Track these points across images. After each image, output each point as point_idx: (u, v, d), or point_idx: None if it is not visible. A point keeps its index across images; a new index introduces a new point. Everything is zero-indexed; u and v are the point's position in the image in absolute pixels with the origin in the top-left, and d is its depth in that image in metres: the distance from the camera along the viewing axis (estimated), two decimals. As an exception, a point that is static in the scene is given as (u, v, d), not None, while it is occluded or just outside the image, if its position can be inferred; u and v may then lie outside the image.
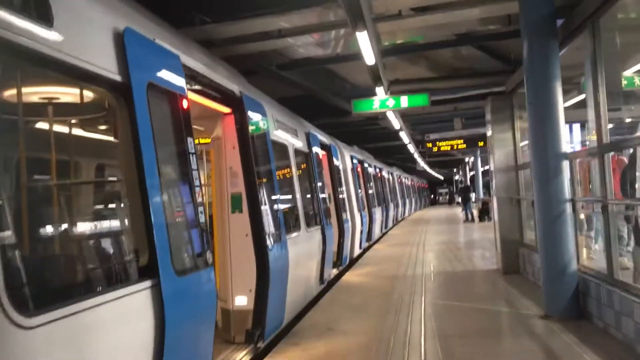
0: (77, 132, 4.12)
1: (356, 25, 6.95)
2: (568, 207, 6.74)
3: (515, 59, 11.49)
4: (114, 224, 4.07)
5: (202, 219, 4.51)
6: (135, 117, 3.73)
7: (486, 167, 42.39)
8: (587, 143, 10.69)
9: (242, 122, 6.24)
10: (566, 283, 6.72)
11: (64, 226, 3.54)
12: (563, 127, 6.79)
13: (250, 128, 6.36)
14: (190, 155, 4.48)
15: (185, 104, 4.58)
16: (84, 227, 3.85)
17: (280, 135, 7.98)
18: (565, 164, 6.78)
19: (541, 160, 6.86)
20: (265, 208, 6.47)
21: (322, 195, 10.41)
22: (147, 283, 3.68)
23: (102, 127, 4.06)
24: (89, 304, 3.06)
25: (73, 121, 3.97)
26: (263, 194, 6.50)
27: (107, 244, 4.00)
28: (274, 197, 6.89)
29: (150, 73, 4.10)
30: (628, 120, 10.58)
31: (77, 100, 3.88)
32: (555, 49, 6.77)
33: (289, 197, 8.45)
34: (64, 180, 3.63)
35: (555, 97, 6.75)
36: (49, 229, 3.71)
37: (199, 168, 4.71)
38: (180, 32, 6.17)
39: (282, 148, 8.14)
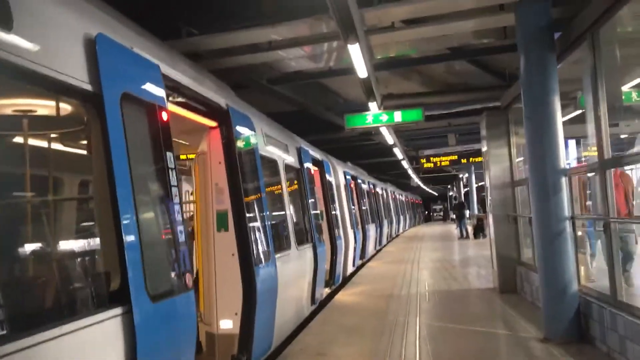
0: (40, 145, 3.82)
1: (348, 37, 6.73)
2: (568, 225, 6.49)
3: (510, 74, 11.35)
4: (80, 244, 3.76)
5: (181, 238, 4.23)
6: (106, 129, 3.45)
7: (480, 184, 42.30)
8: (583, 159, 10.51)
9: (228, 136, 5.96)
10: (567, 304, 6.44)
11: (20, 247, 3.23)
12: (562, 142, 6.56)
13: (238, 142, 6.09)
14: (170, 171, 4.21)
15: (164, 116, 4.29)
16: (44, 248, 3.54)
17: (269, 150, 7.71)
18: (564, 180, 6.54)
19: (539, 176, 6.62)
20: (252, 226, 6.18)
21: (313, 212, 10.13)
22: (117, 310, 3.36)
23: (69, 141, 3.77)
24: (44, 337, 2.75)
25: (35, 134, 3.68)
26: (251, 211, 6.22)
27: (71, 267, 3.67)
28: (262, 215, 6.59)
29: (125, 83, 3.82)
30: (623, 136, 10.42)
31: (40, 111, 3.60)
32: (553, 62, 6.57)
33: (279, 214, 8.16)
34: (24, 197, 3.33)
35: (553, 111, 6.53)
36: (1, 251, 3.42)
37: (179, 184, 4.42)
38: (166, 44, 5.95)
39: (271, 163, 7.87)
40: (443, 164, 22.43)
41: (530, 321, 7.57)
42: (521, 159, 10.08)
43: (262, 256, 6.28)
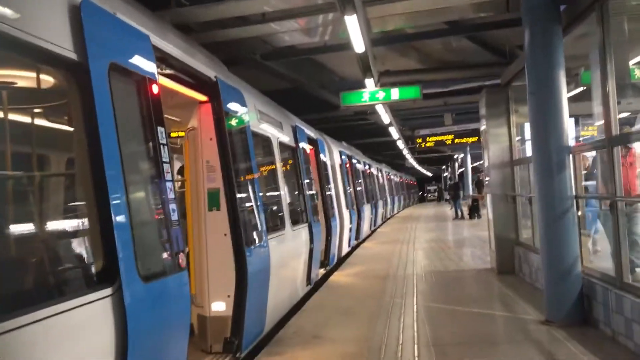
0: (22, 119, 3.57)
1: (345, 8, 6.44)
2: (572, 205, 6.28)
3: (510, 51, 11.07)
4: (68, 223, 3.54)
5: (174, 216, 4.09)
6: (93, 102, 3.26)
7: (475, 164, 42.17)
8: (580, 139, 10.28)
9: (218, 111, 5.69)
10: (570, 286, 6.25)
11: (4, 228, 3.04)
12: (567, 119, 6.31)
13: (228, 117, 5.82)
14: (161, 147, 4.05)
15: (155, 89, 4.10)
16: (28, 228, 3.32)
17: (263, 127, 7.45)
18: (569, 159, 6.31)
19: (543, 154, 6.39)
20: (244, 206, 5.94)
21: (309, 192, 9.90)
22: (106, 291, 3.21)
23: (53, 114, 3.52)
24: (29, 319, 2.60)
25: (17, 107, 3.44)
26: (241, 191, 5.97)
27: (59, 247, 3.46)
28: (255, 194, 6.35)
29: (112, 53, 3.61)
30: (624, 115, 10.19)
31: (18, 81, 3.35)
32: (559, 35, 6.31)
33: (273, 193, 7.93)
34: (5, 175, 3.12)
35: (558, 86, 6.28)
36: None
37: (171, 161, 4.23)
38: (155, 14, 5.65)
39: (265, 141, 7.61)
40: (440, 142, 22.17)
41: (530, 303, 7.40)
42: (519, 138, 9.86)
43: (253, 237, 6.06)
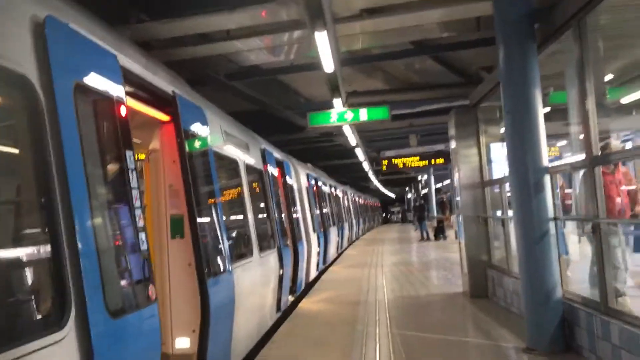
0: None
1: (315, 24, 6.17)
2: (552, 227, 6.08)
3: (475, 73, 11.02)
4: (27, 253, 3.07)
5: (143, 246, 3.88)
6: (58, 124, 3.04)
7: (439, 185, 42.47)
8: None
9: (177, 129, 5.28)
10: (551, 312, 6.02)
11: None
12: (544, 138, 6.14)
13: (188, 137, 5.40)
14: (129, 172, 3.84)
15: (123, 111, 3.89)
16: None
17: (227, 148, 7.07)
18: (547, 179, 6.13)
19: (520, 174, 6.20)
20: (204, 234, 5.53)
21: (277, 216, 9.54)
22: (70, 328, 2.88)
23: (11, 137, 3.09)
24: None
25: None
26: (203, 217, 5.56)
27: (19, 279, 3.01)
28: (216, 220, 5.92)
29: (78, 73, 3.42)
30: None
31: None
32: (534, 52, 6.16)
33: (239, 218, 7.53)
34: None
35: (534, 104, 6.11)
36: None
37: (139, 187, 3.96)
38: (114, 30, 5.28)
39: (230, 163, 7.24)
40: (408, 165, 22.10)
41: (507, 328, 7.16)
42: (490, 159, 9.73)
43: (215, 267, 5.61)
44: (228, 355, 5.87)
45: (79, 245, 3.05)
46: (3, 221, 3.08)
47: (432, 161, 23.05)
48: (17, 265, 2.95)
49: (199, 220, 5.29)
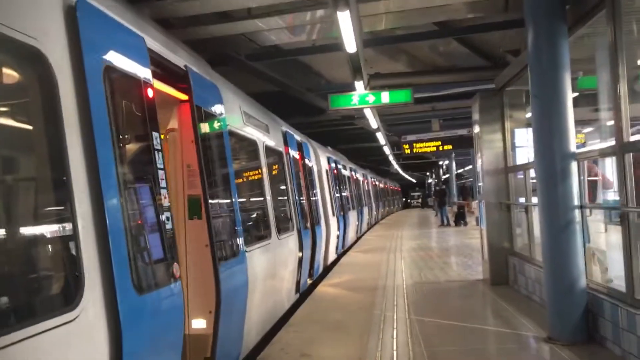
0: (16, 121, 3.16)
1: (338, 3, 6.01)
2: (577, 215, 5.90)
3: (501, 57, 10.76)
4: (58, 231, 3.08)
5: (169, 224, 4.03)
6: (88, 105, 3.16)
7: (460, 170, 42.07)
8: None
9: (191, 106, 5.13)
10: (574, 302, 5.87)
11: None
12: (572, 123, 5.95)
13: (202, 114, 5.27)
14: (156, 152, 3.99)
15: (150, 93, 4.01)
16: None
17: (246, 129, 6.98)
18: (574, 166, 5.94)
19: (547, 161, 6.01)
20: (221, 214, 5.47)
21: (297, 199, 9.47)
22: (100, 302, 3.05)
23: (38, 114, 3.08)
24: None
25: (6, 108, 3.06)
26: (216, 198, 5.49)
27: (49, 256, 3.04)
28: (234, 202, 5.86)
29: (108, 56, 3.50)
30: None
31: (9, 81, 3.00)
32: (564, 34, 5.94)
33: (258, 200, 7.47)
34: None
35: (563, 89, 5.91)
36: None
37: (165, 167, 4.12)
38: (134, 7, 5.19)
39: (249, 144, 7.16)
40: (429, 149, 21.84)
41: (529, 317, 7.03)
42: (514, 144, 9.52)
43: (227, 250, 5.52)
44: (240, 338, 5.81)
45: (108, 223, 3.15)
46: (40, 197, 3.07)
47: (454, 146, 22.80)
48: (44, 242, 2.99)
49: (212, 201, 5.23)
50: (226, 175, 5.77)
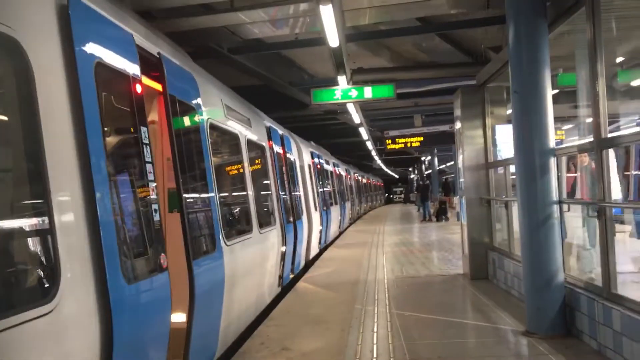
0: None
1: (320, -4, 6.01)
2: (556, 210, 5.97)
3: (483, 53, 10.84)
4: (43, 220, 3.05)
5: (156, 216, 4.14)
6: (80, 101, 3.25)
7: (442, 166, 42.30)
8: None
9: (164, 95, 4.94)
10: (552, 296, 5.94)
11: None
12: (551, 119, 6.01)
13: (177, 105, 5.06)
14: (144, 146, 4.10)
15: (138, 88, 4.11)
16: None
17: (225, 121, 6.93)
18: (553, 161, 6.01)
19: (526, 156, 6.08)
20: (193, 209, 5.40)
21: (279, 194, 9.45)
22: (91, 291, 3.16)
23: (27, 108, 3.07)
24: None
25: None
26: (191, 192, 5.44)
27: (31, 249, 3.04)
28: (211, 196, 5.78)
29: (98, 52, 3.59)
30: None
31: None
32: (544, 31, 6.00)
33: (238, 194, 7.44)
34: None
35: (543, 85, 5.97)
36: None
37: (153, 161, 4.24)
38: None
39: (231, 137, 7.11)
40: (411, 145, 21.92)
41: (507, 311, 7.10)
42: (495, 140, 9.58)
43: (202, 246, 5.38)
44: (216, 334, 5.68)
45: (99, 214, 3.25)
46: (33, 189, 3.06)
47: (436, 142, 22.93)
48: (37, 233, 3.01)
49: (188, 195, 5.17)
50: (203, 168, 5.70)
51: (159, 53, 4.96)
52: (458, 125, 10.15)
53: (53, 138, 3.02)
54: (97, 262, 3.22)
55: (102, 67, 3.58)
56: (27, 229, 2.93)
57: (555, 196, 6.00)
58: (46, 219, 2.89)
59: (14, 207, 2.96)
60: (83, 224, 3.18)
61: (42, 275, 2.92)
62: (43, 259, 2.98)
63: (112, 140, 3.65)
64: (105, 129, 3.50)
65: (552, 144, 5.99)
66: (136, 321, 3.66)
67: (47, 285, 2.85)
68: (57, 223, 2.94)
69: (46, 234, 2.91)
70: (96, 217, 3.24)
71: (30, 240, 2.99)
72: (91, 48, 3.50)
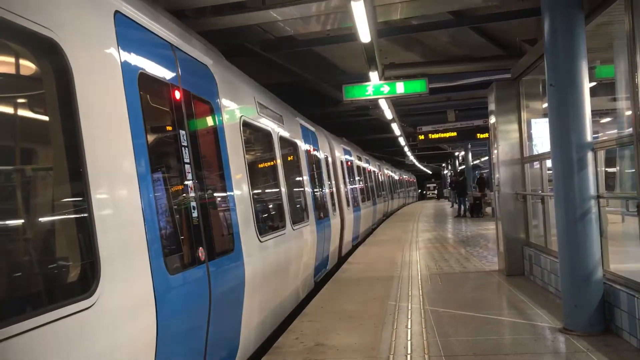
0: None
1: (351, -8, 6.00)
2: (594, 205, 5.85)
3: (518, 46, 10.67)
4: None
5: (194, 213, 4.33)
6: (125, 109, 3.48)
7: (476, 161, 41.72)
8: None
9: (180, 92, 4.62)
10: (591, 292, 5.84)
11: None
12: (589, 112, 5.88)
13: (190, 99, 4.67)
14: (183, 148, 4.30)
15: (177, 94, 4.34)
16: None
17: (261, 120, 6.99)
18: (591, 155, 5.88)
19: (563, 150, 5.96)
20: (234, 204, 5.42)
21: (313, 190, 9.50)
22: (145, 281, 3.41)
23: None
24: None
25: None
26: (235, 188, 5.48)
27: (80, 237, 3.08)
28: (231, 195, 5.67)
29: (142, 63, 3.82)
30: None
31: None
32: (581, 23, 5.87)
33: (272, 190, 7.49)
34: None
35: (580, 78, 5.85)
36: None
37: (191, 161, 4.41)
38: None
39: (263, 134, 7.17)
40: (445, 140, 21.69)
41: (544, 308, 7.00)
42: (530, 134, 9.43)
43: (220, 246, 4.89)
44: (236, 344, 5.31)
45: (145, 212, 3.47)
46: (73, 187, 3.11)
47: (471, 137, 22.63)
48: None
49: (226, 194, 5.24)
50: (240, 165, 5.76)
51: (171, 44, 4.60)
52: (492, 119, 10.02)
53: (101, 140, 3.17)
54: (141, 255, 3.40)
55: (145, 77, 3.81)
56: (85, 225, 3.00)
57: (593, 190, 5.88)
58: (88, 215, 2.95)
59: (56, 204, 3.04)
60: (129, 219, 3.35)
61: (86, 270, 2.97)
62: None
63: (153, 141, 3.89)
64: (147, 132, 3.71)
65: (589, 137, 5.87)
66: (178, 312, 3.80)
67: (89, 278, 2.90)
68: (102, 219, 3.04)
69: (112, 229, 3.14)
70: (140, 213, 3.43)
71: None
72: (135, 59, 3.71)
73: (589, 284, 5.84)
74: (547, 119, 6.45)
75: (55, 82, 2.91)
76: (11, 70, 2.83)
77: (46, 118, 3.02)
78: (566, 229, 6.00)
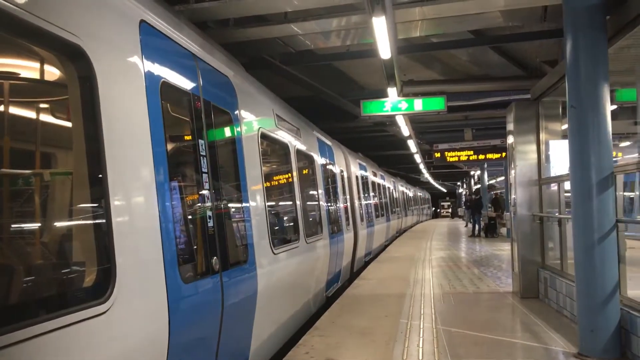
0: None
1: (374, 9, 6.02)
2: (614, 230, 5.77)
3: (537, 67, 10.64)
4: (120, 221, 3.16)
5: (210, 223, 4.32)
6: (147, 117, 3.51)
7: (492, 181, 41.45)
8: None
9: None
10: (607, 318, 5.73)
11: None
12: (609, 135, 5.82)
13: (210, 110, 4.68)
14: (201, 158, 4.30)
15: (198, 104, 4.35)
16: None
17: (278, 132, 7.01)
18: (611, 178, 5.81)
19: (583, 173, 5.89)
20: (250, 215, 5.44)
21: (327, 205, 9.48)
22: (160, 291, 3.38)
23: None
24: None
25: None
26: (251, 200, 5.50)
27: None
28: (259, 204, 5.81)
29: (164, 72, 3.84)
30: None
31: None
32: (604, 45, 5.83)
33: (287, 203, 7.49)
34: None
35: (602, 100, 5.79)
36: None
37: (209, 171, 4.41)
38: (173, 9, 5.28)
39: (281, 146, 7.18)
40: (461, 159, 21.55)
41: (559, 332, 6.88)
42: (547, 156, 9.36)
43: (234, 258, 4.84)
44: (247, 350, 5.28)
45: (161, 219, 3.48)
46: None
47: (487, 156, 22.48)
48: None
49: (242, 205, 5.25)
50: (256, 176, 5.77)
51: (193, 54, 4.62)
52: (511, 139, 9.95)
53: (121, 147, 3.18)
54: (157, 263, 3.40)
55: (167, 86, 3.83)
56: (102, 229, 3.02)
57: (612, 215, 5.80)
58: (106, 221, 2.96)
59: (75, 208, 3.06)
60: (146, 226, 3.36)
61: (102, 275, 2.98)
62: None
63: (172, 150, 3.93)
64: (167, 141, 3.74)
65: (610, 160, 5.80)
66: (190, 320, 3.81)
67: (105, 283, 2.91)
68: (120, 225, 3.05)
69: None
70: (157, 221, 3.44)
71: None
72: (158, 68, 3.74)
73: (605, 309, 5.74)
74: (566, 141, 6.40)
75: (80, 88, 2.94)
76: (38, 74, 2.87)
77: (69, 123, 3.05)
78: (584, 253, 5.91)
